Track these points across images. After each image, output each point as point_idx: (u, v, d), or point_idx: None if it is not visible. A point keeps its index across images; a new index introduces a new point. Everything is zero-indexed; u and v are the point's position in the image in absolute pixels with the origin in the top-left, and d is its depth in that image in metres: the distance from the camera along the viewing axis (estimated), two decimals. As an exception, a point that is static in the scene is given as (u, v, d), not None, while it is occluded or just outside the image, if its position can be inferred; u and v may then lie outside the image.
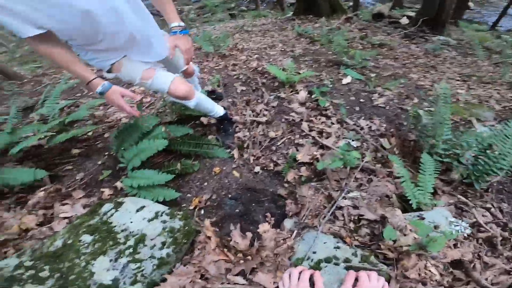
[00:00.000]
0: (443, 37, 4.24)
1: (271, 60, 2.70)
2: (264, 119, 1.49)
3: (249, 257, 0.80)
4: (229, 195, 1.15)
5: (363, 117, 1.55)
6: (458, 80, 2.58)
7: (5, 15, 0.70)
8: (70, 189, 1.27)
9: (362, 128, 1.44)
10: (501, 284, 0.80)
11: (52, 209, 1.15)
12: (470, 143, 1.09)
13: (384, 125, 1.48)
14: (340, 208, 0.96)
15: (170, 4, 1.03)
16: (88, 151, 1.52)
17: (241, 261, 0.79)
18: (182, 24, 1.04)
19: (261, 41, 3.66)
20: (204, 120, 1.53)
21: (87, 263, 0.73)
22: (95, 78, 0.89)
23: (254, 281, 0.74)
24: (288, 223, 0.93)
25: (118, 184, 1.20)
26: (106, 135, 1.64)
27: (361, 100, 1.76)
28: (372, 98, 1.77)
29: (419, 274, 0.76)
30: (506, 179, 1.19)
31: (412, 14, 5.65)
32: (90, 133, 1.65)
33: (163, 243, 0.76)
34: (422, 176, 1.02)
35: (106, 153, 1.47)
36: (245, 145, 1.37)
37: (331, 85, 1.94)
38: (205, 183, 1.21)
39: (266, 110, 1.60)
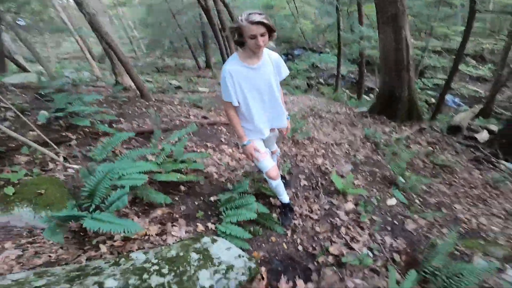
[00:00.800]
0: (512, 165, 4.27)
1: (334, 161, 3.40)
2: (315, 217, 2.22)
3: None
4: (277, 257, 1.84)
5: (390, 235, 2.13)
6: (500, 218, 2.88)
7: (231, 85, 1.50)
8: (176, 215, 2.09)
9: (385, 243, 2.03)
10: None
11: (165, 226, 1.94)
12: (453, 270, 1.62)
13: (404, 246, 2.04)
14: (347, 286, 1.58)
15: (283, 103, 1.79)
16: (189, 191, 2.40)
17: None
18: (287, 112, 1.82)
19: (330, 134, 4.47)
20: (272, 200, 2.33)
21: (195, 272, 1.45)
22: (244, 138, 1.68)
23: None
24: (310, 286, 1.59)
25: (209, 224, 2.02)
26: (201, 183, 2.53)
27: (395, 222, 2.33)
28: (404, 223, 2.33)
29: None
30: None
31: (495, 128, 5.77)
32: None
33: (243, 273, 1.49)
34: (405, 282, 1.57)
35: (201, 198, 2.36)
36: (297, 230, 2.09)
37: (376, 204, 2.55)
38: (263, 245, 1.93)
39: (319, 210, 2.33)
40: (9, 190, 1.68)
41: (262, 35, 1.34)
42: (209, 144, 3.41)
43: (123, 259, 1.40)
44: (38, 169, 2.15)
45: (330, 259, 1.83)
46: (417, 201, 2.80)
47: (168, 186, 2.33)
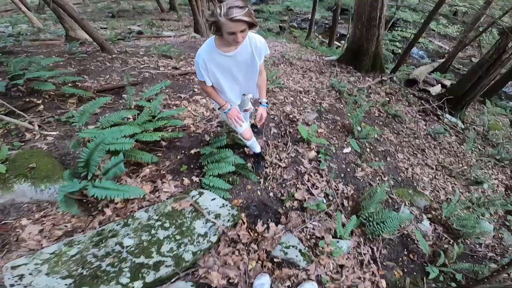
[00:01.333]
0: (454, 119, 5.04)
1: (301, 108, 3.76)
2: (283, 164, 2.60)
3: (259, 236, 1.94)
4: (253, 203, 2.26)
5: (342, 182, 2.64)
6: (432, 168, 3.58)
7: (204, 70, 1.53)
8: (163, 172, 2.34)
9: (338, 189, 2.54)
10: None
11: (155, 184, 2.20)
12: (381, 218, 2.19)
13: (352, 192, 2.57)
14: (306, 227, 2.08)
15: (265, 89, 1.88)
16: (170, 145, 2.60)
17: (257, 238, 1.92)
18: (266, 100, 1.91)
19: (300, 82, 4.72)
20: (246, 150, 2.65)
21: (190, 223, 1.81)
22: (226, 105, 1.79)
23: (259, 247, 1.87)
24: (280, 227, 2.06)
25: (194, 178, 2.32)
26: (180, 137, 2.70)
27: (348, 169, 2.84)
28: (356, 171, 2.85)
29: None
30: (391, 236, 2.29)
31: (449, 82, 6.48)
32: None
33: (229, 220, 1.87)
34: (348, 225, 2.12)
35: (182, 151, 2.59)
36: (268, 178, 2.49)
37: (334, 151, 2.99)
38: (241, 193, 2.33)
39: (287, 158, 2.71)
40: (1, 168, 1.75)
41: (242, 31, 1.28)
42: (182, 96, 3.49)
43: (130, 219, 1.70)
44: (17, 141, 2.18)
45: (295, 204, 2.29)
46: (368, 149, 3.31)
47: (150, 144, 2.49)
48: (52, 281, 1.36)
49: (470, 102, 5.12)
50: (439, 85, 5.94)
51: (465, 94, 4.92)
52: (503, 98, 9.14)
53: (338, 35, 10.83)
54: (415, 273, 2.23)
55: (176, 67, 4.31)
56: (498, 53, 4.28)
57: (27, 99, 2.72)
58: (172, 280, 1.56)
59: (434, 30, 12.33)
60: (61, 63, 3.66)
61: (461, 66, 9.63)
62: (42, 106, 2.68)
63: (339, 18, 10.03)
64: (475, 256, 2.55)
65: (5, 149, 1.90)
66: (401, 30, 10.61)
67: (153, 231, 1.67)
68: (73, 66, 3.76)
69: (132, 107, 2.78)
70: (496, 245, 2.85)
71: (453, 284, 2.15)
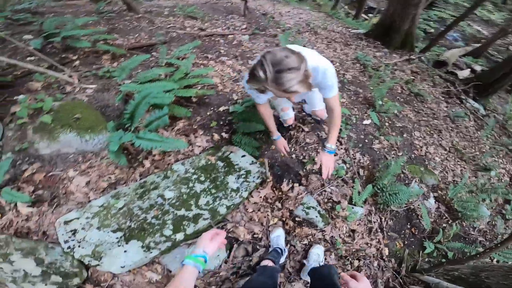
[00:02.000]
0: (477, 104, 4.97)
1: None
2: (306, 129, 2.72)
3: (284, 195, 2.13)
4: (276, 163, 2.39)
5: (360, 152, 2.76)
6: (445, 150, 3.65)
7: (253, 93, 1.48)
8: (195, 126, 2.45)
9: (355, 158, 2.67)
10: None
11: (189, 137, 2.38)
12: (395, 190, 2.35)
13: (368, 162, 2.70)
14: (325, 191, 2.26)
15: (335, 130, 1.58)
16: (200, 102, 2.70)
17: (281, 197, 2.11)
18: (334, 147, 1.62)
19: (324, 51, 4.67)
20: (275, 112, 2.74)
21: (223, 177, 1.96)
22: (276, 133, 1.86)
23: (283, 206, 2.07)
24: (302, 188, 2.24)
25: (224, 134, 2.41)
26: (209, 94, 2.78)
27: (366, 140, 2.94)
28: (373, 142, 2.96)
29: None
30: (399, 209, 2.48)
31: (479, 68, 6.27)
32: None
33: (258, 177, 2.04)
34: (363, 193, 2.28)
35: (211, 108, 2.67)
36: (292, 140, 2.62)
37: (355, 122, 3.07)
38: (266, 152, 2.44)
39: (309, 123, 2.80)
40: (47, 119, 1.79)
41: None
42: (209, 56, 3.54)
43: (169, 171, 1.88)
44: (59, 93, 2.28)
45: (315, 167, 2.43)
46: (386, 123, 3.38)
47: (183, 99, 2.60)
48: (103, 235, 1.45)
49: (497, 90, 4.99)
50: (469, 69, 5.76)
51: (494, 82, 4.79)
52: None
53: (367, 7, 10.22)
54: (413, 246, 2.40)
55: (202, 28, 4.29)
56: None
57: (63, 56, 2.82)
58: None
59: (476, 14, 11.55)
60: (91, 22, 3.68)
61: (496, 53, 9.11)
62: (78, 62, 2.78)
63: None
64: (467, 238, 2.69)
65: (49, 100, 1.93)
66: (439, 10, 9.94)
67: (190, 184, 1.84)
68: (102, 25, 3.79)
69: (164, 64, 2.86)
70: (488, 231, 2.96)
71: (444, 260, 2.32)
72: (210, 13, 5.11)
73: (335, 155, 1.70)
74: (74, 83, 2.42)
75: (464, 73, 5.45)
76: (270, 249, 1.83)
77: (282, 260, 1.80)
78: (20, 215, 1.51)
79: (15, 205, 1.54)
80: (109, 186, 1.81)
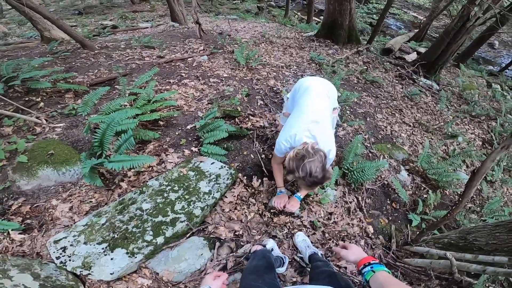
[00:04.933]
0: (429, 81, 5.51)
1: (284, 81, 4.12)
2: (272, 128, 2.98)
3: (256, 190, 2.32)
4: (248, 166, 2.61)
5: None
6: (409, 126, 4.02)
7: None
8: (165, 146, 2.66)
9: (322, 148, 2.93)
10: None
11: (160, 156, 2.58)
12: (360, 167, 2.60)
13: (336, 148, 2.96)
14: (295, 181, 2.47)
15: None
16: (168, 124, 2.90)
17: (253, 192, 2.31)
18: (302, 196, 2.03)
19: (281, 58, 5.05)
20: (237, 120, 3.00)
21: (195, 184, 2.16)
22: (282, 188, 2.06)
23: (257, 200, 2.26)
24: (272, 182, 2.44)
25: (193, 148, 2.63)
26: (176, 116, 3.02)
27: (330, 130, 3.23)
28: (337, 130, 3.25)
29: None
30: (373, 186, 2.71)
31: (423, 50, 6.94)
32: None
33: (228, 178, 2.24)
34: (333, 175, 2.52)
35: (180, 128, 2.89)
36: (259, 138, 2.85)
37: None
38: (237, 157, 2.67)
39: (271, 123, 3.08)
40: (23, 158, 2.01)
41: None
42: (171, 81, 3.79)
43: (144, 188, 2.05)
44: (30, 135, 2.45)
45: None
46: (348, 112, 3.71)
47: (149, 123, 2.82)
48: (90, 248, 1.63)
49: (442, 66, 5.57)
50: (415, 52, 6.40)
51: (437, 59, 5.39)
52: (480, 62, 9.71)
53: (317, 10, 11.04)
54: (399, 221, 2.59)
55: (160, 56, 4.55)
56: (462, 21, 4.68)
57: (27, 98, 2.96)
58: (187, 236, 1.90)
59: (408, 1, 12.83)
60: (46, 62, 3.84)
61: (437, 35, 10.13)
62: (42, 103, 2.93)
63: (316, -7, 10.29)
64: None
65: (22, 142, 2.13)
66: (376, 3, 10.96)
67: (165, 194, 2.02)
68: (59, 64, 3.95)
69: (127, 95, 3.06)
70: (474, 196, 3.24)
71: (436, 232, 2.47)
72: (168, 40, 5.41)
73: (302, 201, 2.17)
74: (43, 124, 2.57)
75: (411, 57, 6.05)
76: None
77: (283, 269, 1.86)
78: (14, 242, 1.69)
79: (8, 233, 1.71)
80: (91, 209, 1.98)
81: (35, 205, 1.95)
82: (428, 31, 8.88)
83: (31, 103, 2.92)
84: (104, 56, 4.37)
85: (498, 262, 1.63)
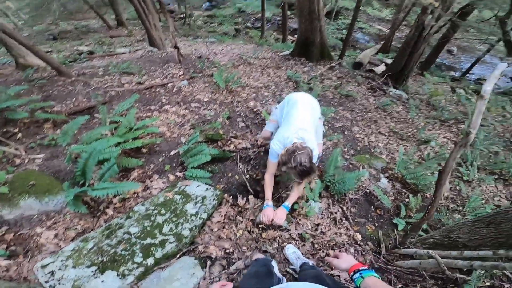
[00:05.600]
0: (399, 91, 5.85)
1: (263, 101, 4.28)
2: (254, 149, 3.08)
3: (242, 209, 2.38)
4: (233, 186, 2.69)
5: (307, 156, 3.16)
6: (384, 135, 4.26)
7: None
8: (150, 173, 2.72)
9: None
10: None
11: (145, 183, 2.62)
12: (341, 179, 2.73)
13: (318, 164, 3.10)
14: (281, 196, 2.55)
15: (295, 197, 2.14)
16: (151, 152, 2.97)
17: (240, 210, 2.36)
18: (289, 206, 2.11)
19: (259, 79, 5.24)
20: (220, 143, 3.08)
21: (182, 206, 2.19)
22: (269, 201, 2.10)
23: (244, 218, 2.31)
24: (256, 199, 2.51)
25: (178, 173, 2.70)
26: (158, 143, 3.07)
27: (310, 145, 3.38)
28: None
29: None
30: (356, 196, 2.84)
31: (390, 61, 7.43)
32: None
33: (214, 199, 2.29)
34: (315, 189, 2.63)
35: (163, 154, 2.95)
36: (243, 160, 2.94)
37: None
38: (221, 179, 2.75)
39: (253, 144, 3.19)
40: (4, 190, 1.99)
41: None
42: (152, 107, 3.83)
43: (131, 213, 2.07)
44: (10, 166, 2.43)
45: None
46: (326, 127, 3.89)
47: (132, 151, 2.86)
48: (79, 271, 1.64)
49: (408, 76, 5.96)
50: (383, 64, 6.86)
51: (402, 69, 5.79)
52: (443, 69, 10.48)
53: (291, 29, 11.59)
54: (386, 227, 2.69)
55: (140, 82, 4.61)
56: (419, 31, 5.12)
57: (4, 130, 2.93)
58: (178, 256, 1.92)
59: (371, 15, 13.82)
60: (23, 91, 3.79)
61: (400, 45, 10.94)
62: (20, 134, 2.90)
63: (289, 13, 10.84)
64: (438, 208, 3.05)
65: (2, 174, 2.10)
66: (344, 18, 11.69)
67: (152, 218, 2.04)
68: (35, 93, 3.92)
69: (107, 123, 3.08)
70: (455, 197, 3.41)
71: (421, 233, 2.56)
72: (147, 66, 5.49)
73: (288, 212, 2.18)
74: (22, 155, 2.54)
75: (380, 68, 6.47)
76: None
77: None
78: (0, 267, 1.70)
79: (-7, 259, 1.69)
80: (77, 235, 1.98)
81: (19, 233, 1.95)
82: (392, 42, 9.51)
83: (8, 134, 2.88)
84: (82, 84, 4.37)
85: (484, 257, 1.70)
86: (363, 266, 0.99)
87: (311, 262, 2.01)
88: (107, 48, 8.55)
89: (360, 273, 0.96)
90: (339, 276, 2.11)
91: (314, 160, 1.88)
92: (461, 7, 5.43)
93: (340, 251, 2.28)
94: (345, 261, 1.06)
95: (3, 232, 1.91)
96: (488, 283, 2.08)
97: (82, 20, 14.58)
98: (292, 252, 2.10)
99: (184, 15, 12.89)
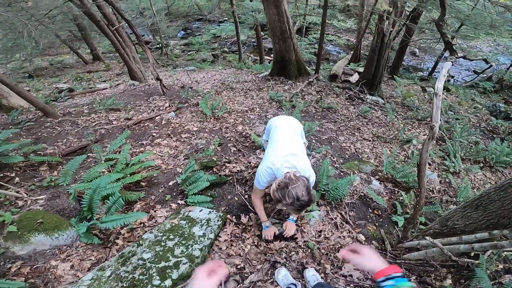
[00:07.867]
0: (375, 97, 6.29)
1: (251, 124, 4.52)
2: (249, 170, 3.29)
3: (246, 226, 2.54)
4: (234, 207, 2.86)
5: (299, 169, 3.40)
6: (369, 141, 4.59)
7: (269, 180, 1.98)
8: (152, 204, 2.86)
9: (297, 175, 3.29)
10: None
11: (149, 213, 2.74)
12: (334, 186, 2.96)
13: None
14: (281, 210, 2.74)
15: None
16: (150, 184, 3.14)
17: (244, 228, 2.53)
18: (295, 218, 2.30)
19: (244, 102, 5.52)
20: (215, 169, 3.28)
21: (189, 230, 2.34)
22: (266, 222, 2.30)
23: (249, 234, 2.48)
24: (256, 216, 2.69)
25: (179, 201, 2.85)
26: (155, 175, 3.25)
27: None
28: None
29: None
30: (352, 200, 3.07)
31: (362, 69, 7.98)
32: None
33: (218, 220, 2.45)
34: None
35: (162, 185, 3.12)
36: (240, 182, 3.13)
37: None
38: (222, 202, 2.91)
39: (247, 166, 3.41)
40: (13, 228, 2.09)
41: None
42: (144, 142, 4.00)
43: (141, 241, 2.20)
44: (14, 208, 2.49)
45: (268, 197, 2.91)
46: (313, 140, 4.18)
47: (132, 185, 3.01)
48: None
49: (380, 81, 6.45)
50: (356, 73, 7.40)
51: (374, 76, 6.28)
52: (411, 70, 11.31)
53: (267, 50, 12.23)
54: (386, 225, 2.88)
55: (128, 118, 4.77)
56: (380, 38, 5.66)
57: (1, 175, 3.00)
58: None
59: (337, 27, 14.83)
60: (11, 135, 3.79)
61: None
62: (17, 178, 2.98)
63: (263, 34, 11.47)
64: (432, 202, 3.30)
65: (8, 215, 2.20)
66: (314, 33, 12.46)
67: (163, 243, 2.18)
68: (25, 136, 3.99)
69: (103, 161, 3.22)
70: (446, 189, 3.69)
71: (422, 226, 2.82)
72: (131, 100, 5.68)
73: (296, 224, 2.36)
74: (24, 197, 2.62)
75: (354, 78, 6.99)
76: None
77: None
78: None
79: (15, 292, 1.76)
80: (92, 265, 2.08)
81: (35, 266, 2.02)
82: (361, 51, 10.20)
83: (6, 178, 2.96)
84: (70, 123, 4.49)
85: (481, 239, 1.76)
86: (397, 271, 0.84)
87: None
88: (87, 84, 8.67)
89: (395, 281, 0.80)
90: (351, 276, 2.24)
91: (312, 186, 1.73)
92: (410, 11, 5.97)
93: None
94: (370, 259, 0.89)
95: (19, 266, 1.98)
96: (501, 266, 2.20)
97: (57, 56, 14.59)
98: (312, 275, 2.18)
99: (161, 45, 13.29)
